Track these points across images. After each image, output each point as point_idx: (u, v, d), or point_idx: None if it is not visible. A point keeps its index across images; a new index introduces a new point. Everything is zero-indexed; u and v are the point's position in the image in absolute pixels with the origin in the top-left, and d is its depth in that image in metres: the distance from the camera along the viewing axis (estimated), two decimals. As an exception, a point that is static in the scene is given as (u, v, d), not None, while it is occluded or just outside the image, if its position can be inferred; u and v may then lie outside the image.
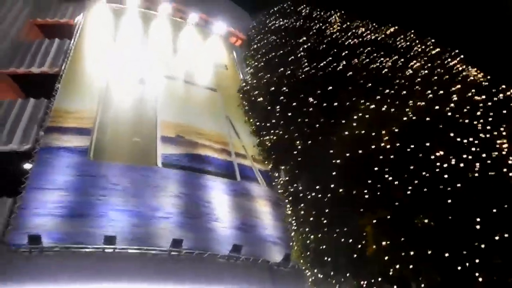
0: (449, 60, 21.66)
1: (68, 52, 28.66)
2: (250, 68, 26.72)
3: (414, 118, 17.59)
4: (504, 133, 17.16)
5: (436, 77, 20.00)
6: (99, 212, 20.20)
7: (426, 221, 14.92)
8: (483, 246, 14.09)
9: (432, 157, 16.35)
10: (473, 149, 16.56)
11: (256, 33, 28.74)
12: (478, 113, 18.09)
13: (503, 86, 19.79)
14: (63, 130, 23.58)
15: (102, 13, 33.97)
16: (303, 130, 20.22)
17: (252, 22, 35.17)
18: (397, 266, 15.34)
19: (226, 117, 29.73)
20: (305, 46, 23.76)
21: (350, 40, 23.22)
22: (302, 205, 18.89)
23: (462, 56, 21.95)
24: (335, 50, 22.30)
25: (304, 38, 24.24)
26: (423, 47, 22.81)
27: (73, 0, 34.19)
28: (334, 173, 17.87)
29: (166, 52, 33.71)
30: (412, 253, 14.75)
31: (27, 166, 21.00)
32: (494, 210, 14.38)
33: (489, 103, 18.56)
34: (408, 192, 15.95)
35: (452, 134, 16.96)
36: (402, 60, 21.64)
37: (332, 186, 17.84)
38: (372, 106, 18.97)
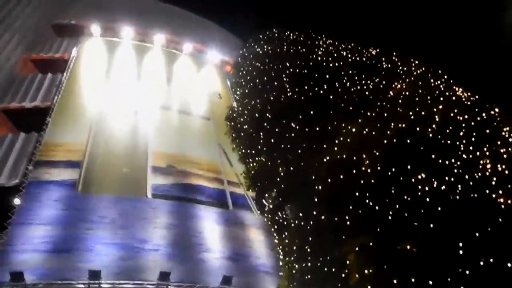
0: (433, 80, 21.44)
1: (60, 85, 29.06)
2: (236, 96, 26.76)
3: (395, 140, 17.33)
4: (487, 153, 16.78)
5: (418, 98, 19.76)
6: (85, 246, 20.01)
7: (408, 247, 14.46)
8: (467, 272, 13.55)
9: (413, 180, 15.97)
10: (456, 170, 16.19)
11: (242, 60, 28.91)
12: (461, 133, 17.77)
13: (487, 105, 19.50)
14: (52, 164, 23.73)
15: (96, 47, 34.62)
16: (286, 157, 20.03)
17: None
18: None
19: (219, 145, 29.71)
20: (288, 72, 23.79)
21: (332, 64, 23.18)
22: (286, 233, 18.54)
23: (445, 76, 21.71)
24: (317, 75, 22.26)
25: (287, 64, 24.29)
26: (406, 68, 22.67)
27: (68, 35, 34.99)
28: (316, 199, 17.56)
29: (160, 82, 34.11)
30: (395, 281, 14.23)
31: (15, 201, 20.96)
32: (477, 234, 13.90)
33: (472, 123, 18.24)
34: (390, 217, 15.56)
35: (433, 156, 16.61)
36: (384, 82, 21.49)
37: (314, 213, 17.49)
38: (354, 130, 18.77)
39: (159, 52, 36.84)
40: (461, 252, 13.78)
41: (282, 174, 20.04)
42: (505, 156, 16.45)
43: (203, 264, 21.43)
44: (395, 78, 21.55)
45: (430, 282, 13.71)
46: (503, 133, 17.84)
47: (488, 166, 16.15)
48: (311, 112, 20.47)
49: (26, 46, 31.99)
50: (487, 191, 14.69)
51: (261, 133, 22.11)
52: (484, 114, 18.73)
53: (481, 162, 16.22)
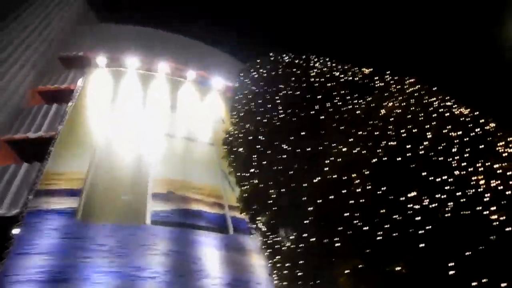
0: (427, 97, 21.08)
1: (64, 115, 29.58)
2: (233, 119, 26.86)
3: (385, 159, 16.97)
4: (481, 169, 16.25)
5: (410, 115, 19.42)
6: (81, 275, 19.93)
7: (398, 268, 13.94)
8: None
9: (403, 198, 15.53)
10: (448, 187, 15.69)
11: (239, 85, 29.15)
12: (454, 149, 17.29)
13: (482, 120, 19.00)
14: (52, 193, 23.88)
15: (102, 77, 35.25)
16: (277, 179, 19.83)
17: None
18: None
19: (221, 170, 29.58)
20: (281, 94, 23.81)
21: (324, 84, 23.09)
22: (278, 257, 18.17)
23: (440, 93, 21.32)
24: (309, 95, 22.20)
25: (281, 86, 24.35)
26: (399, 86, 22.39)
27: (75, 67, 35.87)
28: (306, 221, 17.21)
29: (164, 110, 34.37)
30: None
31: (14, 231, 21.14)
32: (468, 253, 13.32)
33: (466, 138, 17.76)
34: (379, 238, 15.09)
35: (424, 173, 16.17)
36: (377, 100, 21.25)
37: (304, 235, 17.12)
38: (345, 150, 18.50)
39: (163, 80, 37.28)
40: (451, 272, 13.19)
41: (273, 196, 19.81)
42: (499, 171, 15.93)
43: (202, 291, 21.09)
44: (388, 97, 21.31)
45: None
46: (498, 148, 17.34)
47: (482, 182, 15.64)
48: (302, 133, 20.33)
49: (33, 79, 32.90)
50: (479, 208, 14.13)
51: (254, 156, 22.01)
52: (478, 130, 18.26)
53: (474, 178, 15.72)
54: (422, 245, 14.08)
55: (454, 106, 19.85)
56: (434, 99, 20.37)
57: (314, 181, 18.00)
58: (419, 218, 14.73)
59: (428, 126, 18.16)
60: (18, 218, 21.94)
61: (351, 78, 23.13)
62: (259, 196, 20.24)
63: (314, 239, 16.55)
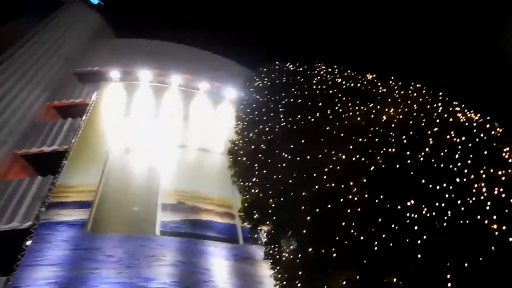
0: (430, 102, 20.56)
1: (78, 129, 30.23)
2: (239, 129, 26.86)
3: (383, 166, 16.59)
4: (483, 176, 15.68)
5: (412, 122, 18.97)
6: (90, 286, 20.21)
7: (395, 280, 13.55)
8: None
9: (400, 207, 15.12)
10: (447, 195, 15.19)
11: (244, 94, 29.17)
12: (456, 155, 16.76)
13: (487, 125, 18.38)
14: (64, 205, 24.38)
15: (115, 90, 35.87)
16: (277, 188, 19.67)
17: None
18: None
19: (231, 179, 29.57)
20: (283, 102, 23.68)
21: (326, 91, 22.85)
22: (278, 268, 17.95)
23: (443, 97, 20.77)
24: (310, 103, 22.00)
25: (283, 94, 24.23)
26: (402, 92, 21.93)
27: (89, 81, 36.65)
28: (304, 231, 16.96)
29: (176, 121, 34.63)
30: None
31: (26, 243, 21.65)
32: (466, 265, 12.83)
33: (470, 144, 17.19)
34: (376, 248, 14.72)
35: (423, 181, 15.72)
36: (378, 107, 20.86)
37: (303, 246, 16.87)
38: (344, 157, 18.20)
39: (176, 92, 37.61)
40: (449, 285, 12.73)
41: (273, 205, 19.65)
42: (503, 178, 15.33)
43: (209, 302, 21.06)
44: (390, 103, 20.89)
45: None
46: (503, 154, 16.72)
47: (484, 190, 15.08)
48: (302, 141, 20.15)
49: (49, 94, 33.75)
50: (479, 217, 13.61)
51: (256, 165, 21.94)
52: (483, 135, 17.67)
53: (475, 186, 15.17)
54: (419, 255, 13.68)
55: (458, 111, 19.27)
56: (439, 104, 19.87)
57: (312, 189, 17.78)
58: (416, 227, 14.32)
59: (430, 131, 17.71)
60: (30, 230, 22.42)
61: (353, 84, 22.81)
62: (260, 205, 20.12)
63: (310, 249, 16.30)
